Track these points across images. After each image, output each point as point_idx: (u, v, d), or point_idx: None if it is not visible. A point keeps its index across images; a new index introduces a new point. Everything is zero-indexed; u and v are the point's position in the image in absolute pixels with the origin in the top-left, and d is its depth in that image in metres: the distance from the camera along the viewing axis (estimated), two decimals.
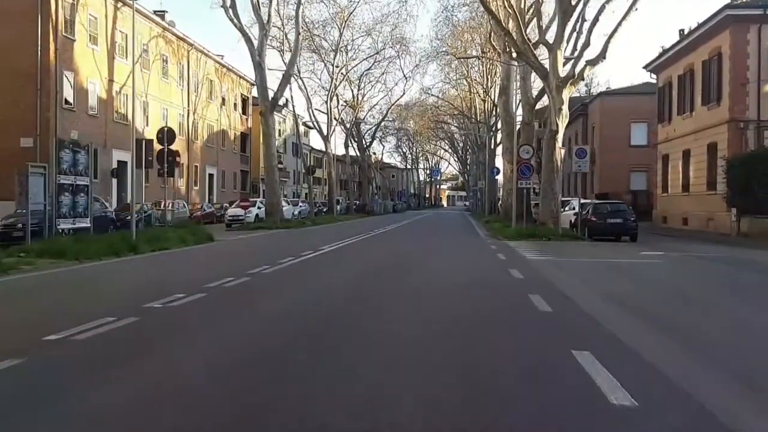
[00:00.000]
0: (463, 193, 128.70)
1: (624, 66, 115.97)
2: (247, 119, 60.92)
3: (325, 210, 55.38)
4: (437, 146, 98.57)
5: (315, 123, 53.12)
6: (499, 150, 50.71)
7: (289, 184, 74.91)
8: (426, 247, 20.36)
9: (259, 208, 37.60)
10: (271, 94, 35.98)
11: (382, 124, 72.91)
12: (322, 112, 53.19)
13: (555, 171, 24.04)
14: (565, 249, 19.30)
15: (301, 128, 76.87)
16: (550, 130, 23.91)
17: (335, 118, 54.17)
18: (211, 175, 53.28)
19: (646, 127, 43.86)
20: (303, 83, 49.33)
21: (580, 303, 8.78)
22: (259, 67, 34.06)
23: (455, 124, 74.77)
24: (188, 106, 47.88)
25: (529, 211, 27.83)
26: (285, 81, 36.01)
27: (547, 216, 24.35)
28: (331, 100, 51.37)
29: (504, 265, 14.12)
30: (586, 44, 24.01)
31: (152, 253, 17.12)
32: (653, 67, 38.40)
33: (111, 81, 37.07)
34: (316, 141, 72.60)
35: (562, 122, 23.90)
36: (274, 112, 38.32)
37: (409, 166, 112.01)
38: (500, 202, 50.74)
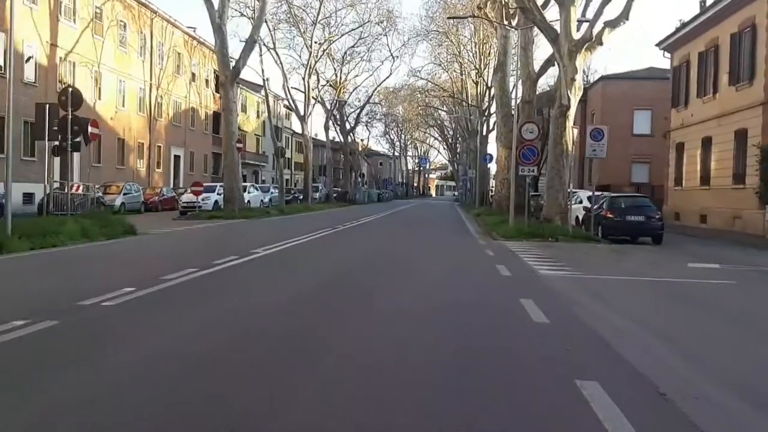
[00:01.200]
0: (452, 183, 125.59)
1: (624, 53, 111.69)
2: (220, 97, 56.22)
3: (301, 198, 50.57)
4: (426, 134, 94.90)
5: (291, 101, 48.44)
6: (492, 136, 46.70)
7: (268, 169, 70.87)
8: (400, 256, 14.56)
9: (219, 194, 33.10)
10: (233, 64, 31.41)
11: (369, 108, 68.76)
12: (300, 91, 48.54)
13: (564, 155, 19.50)
14: (583, 256, 14.94)
15: (282, 110, 72.75)
16: (560, 105, 19.34)
17: (313, 97, 49.39)
18: (177, 157, 48.73)
19: (650, 115, 40.90)
20: (278, 57, 44.55)
21: None
22: (219, 30, 29.40)
23: (445, 109, 70.63)
24: (151, 80, 43.57)
25: (529, 204, 23.31)
26: (249, 47, 31.29)
27: (553, 211, 19.87)
28: (309, 77, 46.53)
29: (511, 289, 9.36)
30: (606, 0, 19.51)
31: (30, 252, 12.70)
32: (667, 44, 34.43)
33: (54, 46, 32.53)
34: (299, 125, 68.18)
35: (575, 96, 19.34)
36: (236, 85, 33.81)
37: (397, 154, 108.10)
38: (492, 193, 46.50)
